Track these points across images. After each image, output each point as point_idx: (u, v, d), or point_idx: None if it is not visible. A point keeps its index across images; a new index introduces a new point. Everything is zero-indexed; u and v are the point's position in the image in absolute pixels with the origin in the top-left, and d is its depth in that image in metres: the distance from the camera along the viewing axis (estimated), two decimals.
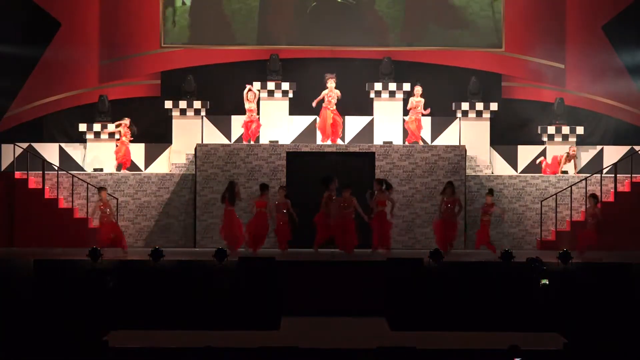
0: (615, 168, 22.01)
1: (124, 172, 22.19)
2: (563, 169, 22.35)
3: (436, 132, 22.96)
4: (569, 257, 17.50)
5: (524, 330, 14.88)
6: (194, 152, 21.79)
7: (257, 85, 22.79)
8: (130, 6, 23.58)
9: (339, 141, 22.41)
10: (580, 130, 23.09)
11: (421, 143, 22.18)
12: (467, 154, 21.96)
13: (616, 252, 20.26)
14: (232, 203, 20.17)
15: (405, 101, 22.75)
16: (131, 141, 22.52)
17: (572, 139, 22.98)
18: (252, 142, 22.04)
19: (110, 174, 22.10)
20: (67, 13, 23.32)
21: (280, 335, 14.85)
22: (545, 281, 16.78)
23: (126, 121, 22.46)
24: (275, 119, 22.93)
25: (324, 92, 22.11)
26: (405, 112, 22.78)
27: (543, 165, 22.62)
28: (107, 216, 20.06)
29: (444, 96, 22.81)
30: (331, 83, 22.05)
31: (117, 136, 22.59)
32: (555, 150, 22.75)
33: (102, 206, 20.09)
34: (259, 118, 22.46)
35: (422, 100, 22.28)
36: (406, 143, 22.22)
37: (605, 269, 17.48)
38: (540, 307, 16.30)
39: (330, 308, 16.72)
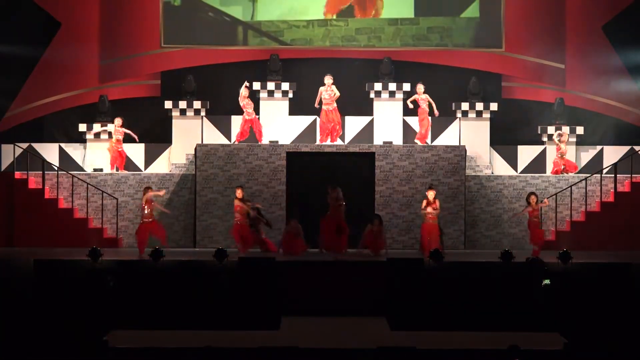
0: (615, 168, 22.00)
1: (124, 172, 22.18)
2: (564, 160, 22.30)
3: (436, 132, 22.93)
4: (569, 257, 17.50)
5: (524, 330, 14.91)
6: (194, 152, 21.79)
7: (257, 85, 22.81)
8: (130, 6, 23.59)
9: (339, 141, 22.40)
10: (580, 130, 23.08)
11: (425, 142, 22.12)
12: (467, 154, 21.94)
13: (616, 252, 20.27)
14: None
15: (405, 101, 22.74)
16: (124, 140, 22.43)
17: (572, 139, 22.97)
18: (258, 143, 21.98)
19: (110, 174, 22.09)
20: (67, 13, 23.33)
21: (280, 335, 14.87)
22: (547, 281, 16.78)
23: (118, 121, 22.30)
24: (275, 119, 22.93)
25: (321, 89, 22.02)
26: (405, 112, 22.80)
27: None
28: (147, 217, 19.83)
29: (444, 96, 22.79)
30: (328, 80, 21.91)
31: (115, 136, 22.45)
32: (555, 150, 22.70)
33: (145, 205, 19.84)
34: (258, 117, 22.47)
35: (427, 96, 22.21)
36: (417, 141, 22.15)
37: (605, 269, 17.48)
38: (540, 307, 16.30)
39: (330, 308, 16.73)
